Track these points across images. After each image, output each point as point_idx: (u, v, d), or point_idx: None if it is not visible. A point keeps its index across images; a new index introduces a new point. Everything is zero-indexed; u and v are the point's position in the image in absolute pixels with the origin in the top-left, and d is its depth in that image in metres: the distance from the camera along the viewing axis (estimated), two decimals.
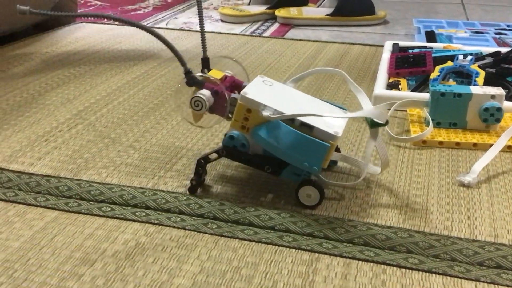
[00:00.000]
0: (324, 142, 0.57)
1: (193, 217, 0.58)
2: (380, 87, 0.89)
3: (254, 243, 0.54)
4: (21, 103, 0.89)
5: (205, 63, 0.65)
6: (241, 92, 0.59)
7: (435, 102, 0.77)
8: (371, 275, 0.50)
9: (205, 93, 0.61)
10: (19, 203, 0.61)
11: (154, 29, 0.61)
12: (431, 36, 1.34)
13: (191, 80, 0.62)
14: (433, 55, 1.02)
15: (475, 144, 0.74)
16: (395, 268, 0.51)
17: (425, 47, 1.12)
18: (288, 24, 1.60)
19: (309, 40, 1.31)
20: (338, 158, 0.68)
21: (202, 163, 0.61)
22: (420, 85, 0.93)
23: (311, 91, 0.95)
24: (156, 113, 0.85)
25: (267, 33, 1.49)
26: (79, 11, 1.61)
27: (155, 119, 0.83)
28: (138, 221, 0.58)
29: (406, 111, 0.85)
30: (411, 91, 0.91)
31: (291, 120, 0.58)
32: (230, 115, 0.62)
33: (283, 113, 0.58)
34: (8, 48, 1.19)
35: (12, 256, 0.52)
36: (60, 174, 0.67)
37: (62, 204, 0.60)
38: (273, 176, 0.63)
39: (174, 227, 0.57)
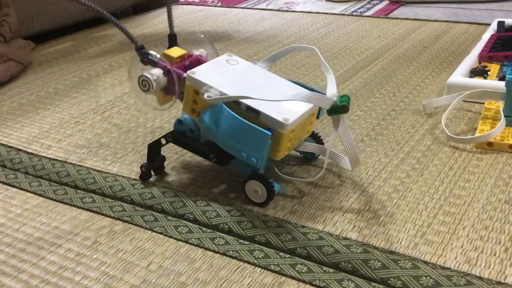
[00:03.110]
0: (265, 130, 0.48)
1: (169, 217, 0.51)
2: (458, 74, 0.74)
3: (218, 255, 0.46)
4: (76, 84, 0.88)
5: (172, 40, 0.58)
6: (188, 72, 0.51)
7: (511, 94, 0.60)
8: None
9: (154, 72, 0.54)
10: (13, 186, 0.59)
11: (101, 9, 0.55)
12: None
13: (143, 57, 0.55)
14: None
15: None
16: None
17: None
18: (399, 2, 1.44)
19: (406, 19, 1.15)
20: (316, 151, 0.57)
21: (153, 149, 0.55)
22: None
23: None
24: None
25: (370, 12, 1.36)
26: None
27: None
28: (111, 217, 0.52)
29: (484, 103, 0.69)
30: (499, 79, 0.74)
31: (237, 104, 0.50)
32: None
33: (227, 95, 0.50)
34: (94, 30, 1.21)
35: None
36: (68, 159, 0.64)
37: (50, 191, 0.57)
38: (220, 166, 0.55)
39: (142, 227, 0.50)
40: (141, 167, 0.57)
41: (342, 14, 1.24)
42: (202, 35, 0.64)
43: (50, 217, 0.53)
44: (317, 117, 0.55)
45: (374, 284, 0.41)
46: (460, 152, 0.59)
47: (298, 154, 0.60)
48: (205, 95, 0.50)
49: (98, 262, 0.46)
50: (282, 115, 0.49)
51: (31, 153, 0.66)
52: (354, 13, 1.33)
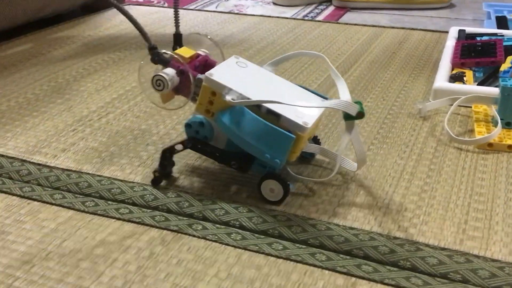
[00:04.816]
0: (289, 133, 0.51)
1: (217, 225, 0.52)
2: (441, 79, 0.80)
3: (281, 260, 0.47)
4: (55, 89, 0.85)
5: (177, 40, 0.60)
6: (206, 73, 0.53)
7: (506, 99, 0.67)
8: None
9: (168, 71, 0.56)
10: (34, 199, 0.56)
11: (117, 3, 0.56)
12: (502, 22, 1.22)
13: (155, 57, 0.57)
14: (504, 43, 0.91)
15: None
16: None
17: (495, 34, 1.00)
18: (344, 7, 1.50)
19: (364, 25, 1.21)
20: (316, 151, 0.61)
21: (167, 155, 0.57)
22: (488, 78, 0.82)
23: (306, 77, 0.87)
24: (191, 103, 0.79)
25: (320, 17, 1.41)
26: None
27: (190, 109, 0.77)
28: (156, 227, 0.52)
29: (470, 107, 0.75)
30: (477, 84, 0.80)
31: (257, 107, 0.53)
32: (196, 97, 0.56)
33: (248, 98, 0.52)
34: (52, 30, 1.16)
35: (15, 262, 0.47)
36: (82, 168, 0.62)
37: (78, 203, 0.56)
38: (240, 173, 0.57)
39: (194, 236, 0.50)
40: (154, 172, 0.57)
41: (303, 19, 1.28)
42: (208, 36, 0.65)
43: (92, 230, 0.51)
44: None
45: (438, 279, 0.45)
46: (465, 152, 0.64)
47: None
48: (229, 98, 0.52)
49: (165, 274, 0.46)
50: (301, 119, 0.52)
51: (38, 164, 0.63)
52: (306, 17, 1.37)
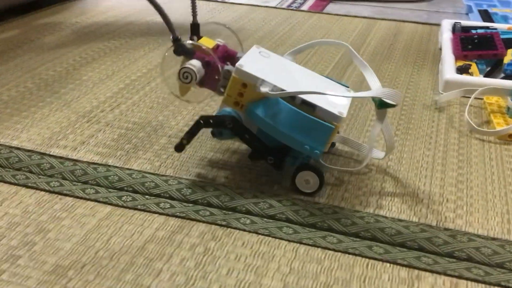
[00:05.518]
0: (328, 123, 0.51)
1: (265, 219, 0.51)
2: (450, 71, 0.81)
3: (339, 253, 0.47)
4: (56, 78, 0.81)
5: (195, 29, 0.58)
6: (237, 64, 0.52)
7: None
8: None
9: (195, 63, 0.54)
10: (66, 195, 0.54)
11: None
12: (486, 16, 1.25)
13: (179, 48, 0.55)
14: (503, 36, 0.93)
15: None
16: None
17: (487, 27, 1.03)
18: None
19: (356, 16, 1.22)
20: (337, 140, 0.62)
21: (201, 125, 0.55)
22: (493, 70, 0.84)
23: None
24: (205, 93, 0.77)
25: (304, 7, 1.40)
26: None
27: (206, 99, 0.75)
28: (202, 222, 0.50)
29: (481, 99, 0.77)
30: (483, 76, 0.82)
31: (291, 98, 0.52)
32: (222, 90, 0.55)
33: (283, 90, 0.51)
34: (35, 16, 1.11)
35: (64, 261, 0.45)
36: (108, 161, 0.59)
37: (114, 198, 0.53)
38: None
39: (244, 230, 0.49)
40: (182, 139, 0.56)
41: (294, 10, 1.27)
42: (227, 26, 0.64)
43: (137, 225, 0.49)
44: None
45: (498, 269, 0.46)
46: (488, 143, 0.66)
47: None
48: (264, 90, 0.51)
49: (226, 269, 0.44)
50: (336, 109, 0.52)
51: (60, 157, 0.60)
52: (290, 7, 1.37)
